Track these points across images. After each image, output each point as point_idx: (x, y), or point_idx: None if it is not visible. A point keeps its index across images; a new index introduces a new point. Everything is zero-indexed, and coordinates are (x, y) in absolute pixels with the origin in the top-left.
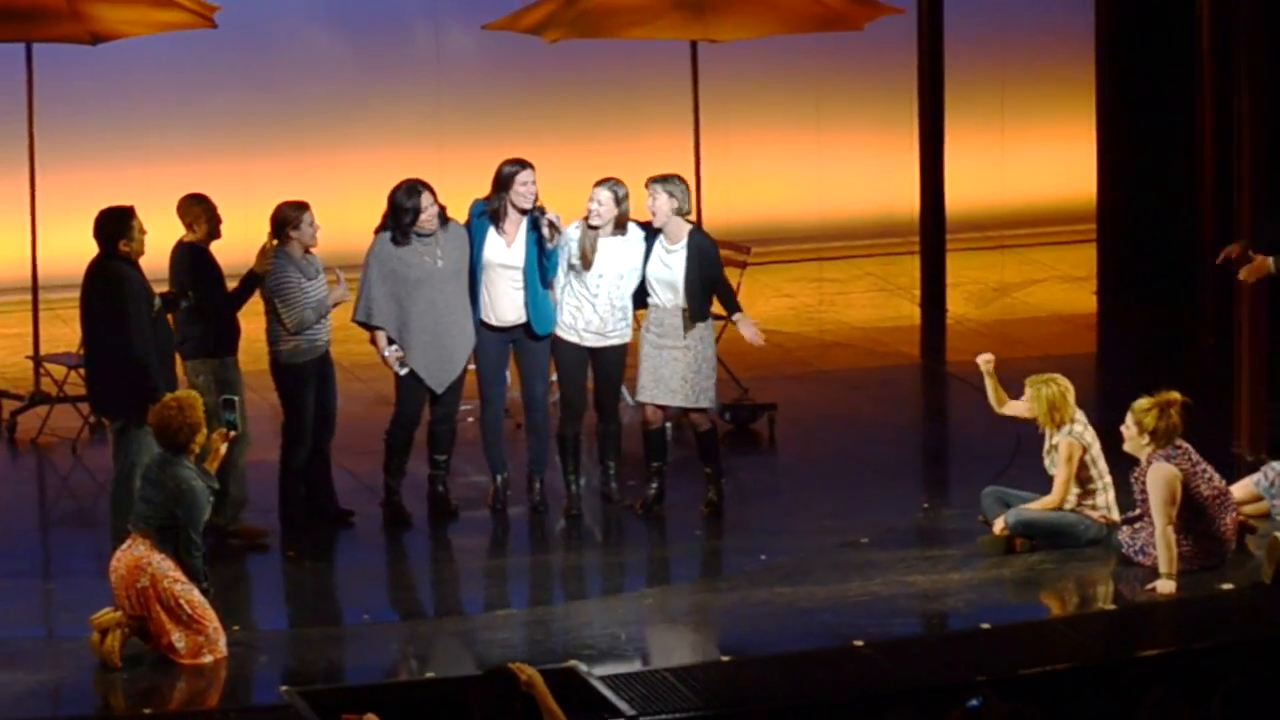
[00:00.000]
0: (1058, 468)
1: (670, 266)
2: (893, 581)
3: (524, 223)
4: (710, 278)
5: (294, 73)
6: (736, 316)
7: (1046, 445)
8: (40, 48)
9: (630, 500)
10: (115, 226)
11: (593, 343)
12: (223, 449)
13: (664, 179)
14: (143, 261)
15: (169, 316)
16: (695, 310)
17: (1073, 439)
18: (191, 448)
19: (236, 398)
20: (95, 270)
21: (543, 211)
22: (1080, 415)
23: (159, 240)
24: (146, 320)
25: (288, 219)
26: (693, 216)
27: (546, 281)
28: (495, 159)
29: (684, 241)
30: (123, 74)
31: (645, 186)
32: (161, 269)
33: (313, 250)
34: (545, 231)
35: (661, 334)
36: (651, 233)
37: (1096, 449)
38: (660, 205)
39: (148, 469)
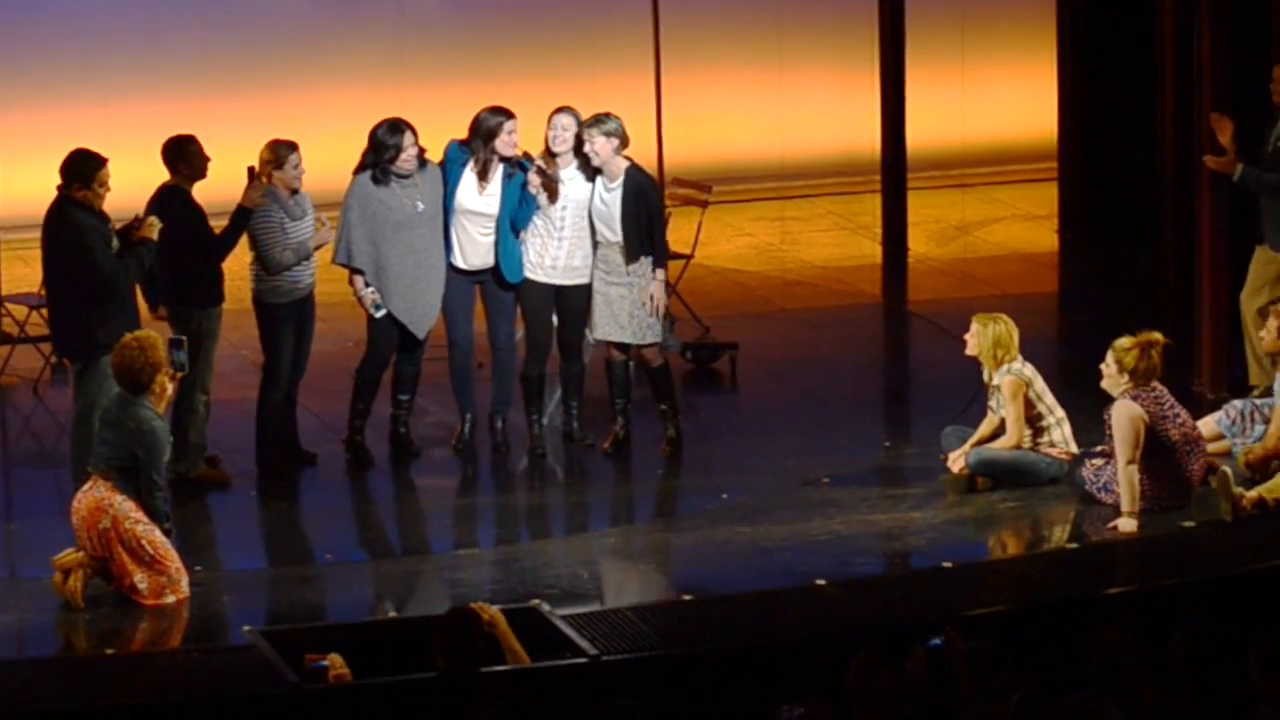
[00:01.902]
0: (1005, 406)
1: (608, 204)
2: (854, 520)
3: (500, 170)
4: (647, 215)
5: (255, 9)
6: (659, 274)
7: (989, 386)
8: None
9: (594, 439)
10: (78, 170)
11: (561, 280)
12: (170, 389)
13: (596, 120)
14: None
15: (136, 259)
16: (633, 247)
17: (1013, 375)
18: (152, 388)
19: (185, 338)
20: (52, 213)
21: (532, 160)
22: (1020, 357)
23: (123, 178)
24: (106, 261)
25: (276, 156)
26: (653, 155)
27: (518, 229)
28: (456, 98)
29: (620, 179)
30: (83, 13)
31: (580, 132)
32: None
33: (302, 190)
34: (535, 179)
35: (608, 270)
36: (591, 171)
37: (1040, 384)
38: (599, 147)
39: (106, 410)
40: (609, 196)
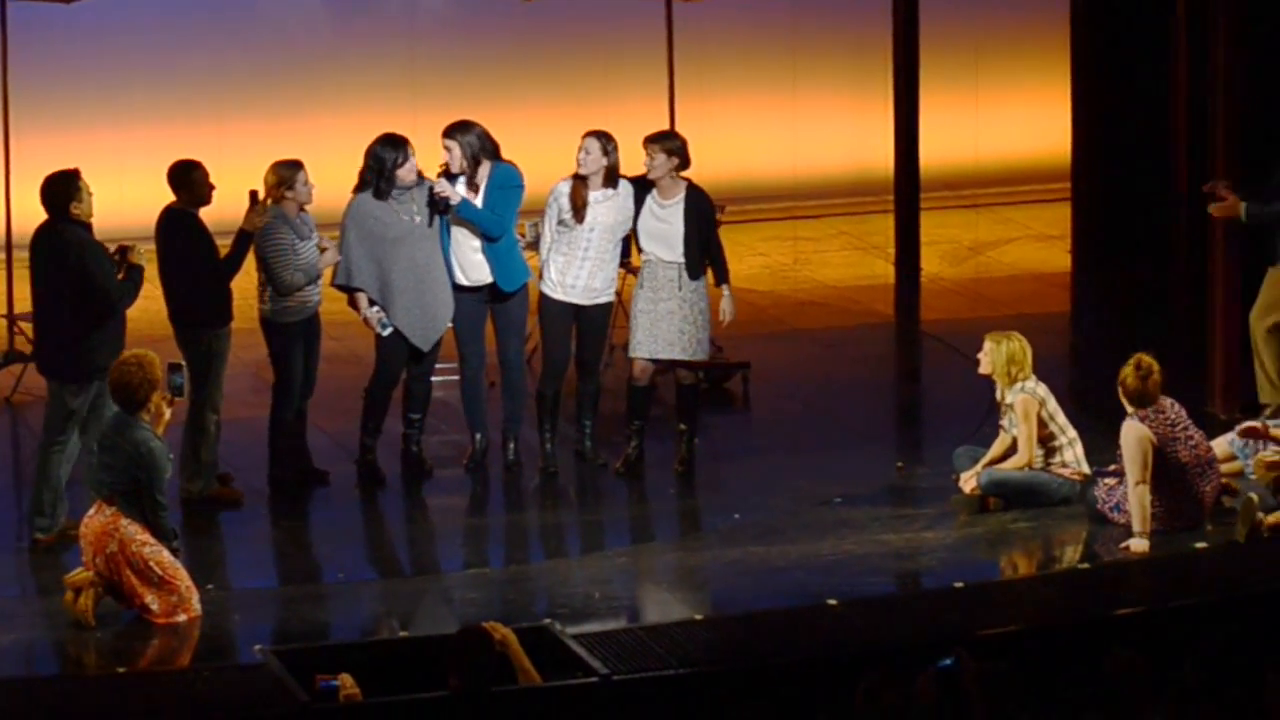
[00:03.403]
0: (1018, 426)
1: (666, 222)
2: (866, 540)
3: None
4: (706, 235)
5: (269, 33)
6: (724, 289)
7: (1001, 405)
8: (15, 6)
9: (607, 459)
10: (63, 189)
11: (582, 300)
12: (167, 413)
13: (660, 137)
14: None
15: (133, 281)
16: (692, 266)
17: (1027, 395)
18: (149, 406)
19: (184, 363)
20: (48, 236)
21: (427, 183)
22: (1033, 376)
23: (136, 200)
24: (113, 283)
25: (283, 178)
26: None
27: (491, 237)
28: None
29: (680, 197)
30: (98, 35)
31: (643, 146)
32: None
33: (307, 209)
34: (438, 199)
35: (655, 289)
36: (640, 187)
37: (1053, 404)
38: (659, 163)
39: (104, 436)
40: (666, 214)
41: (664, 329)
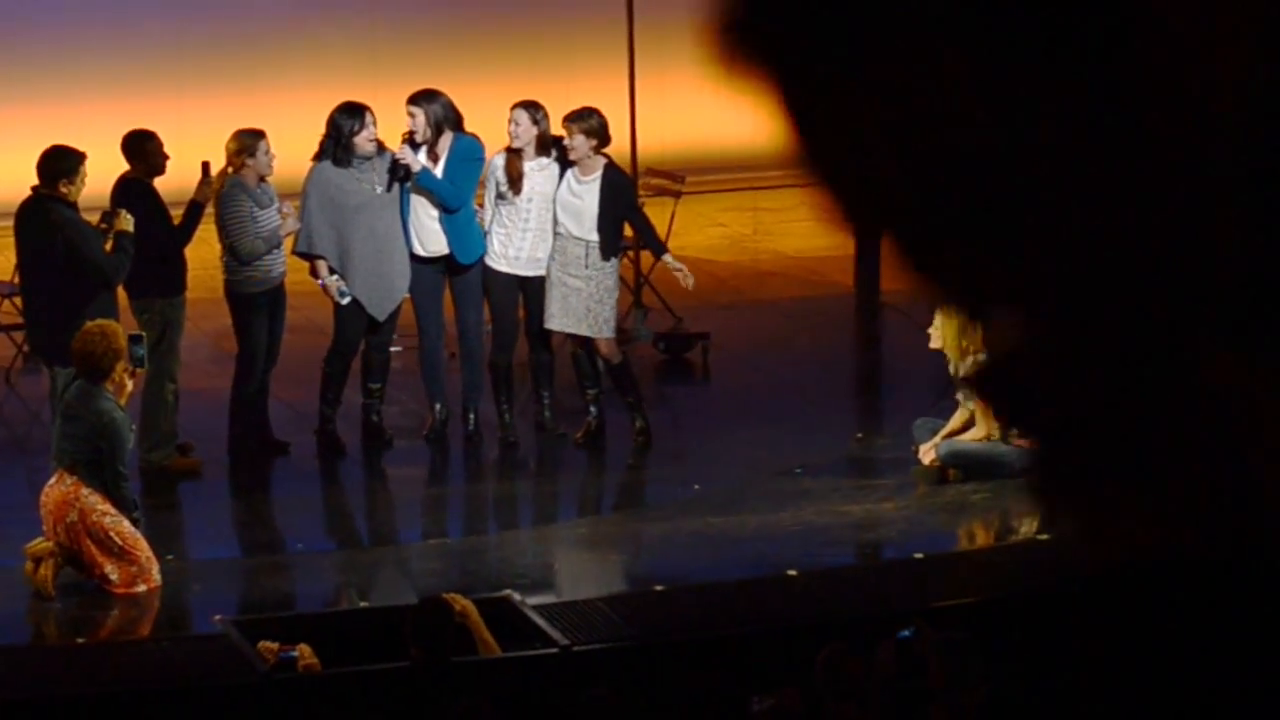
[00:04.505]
0: (974, 398)
1: (581, 197)
2: (826, 511)
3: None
4: (621, 213)
5: (227, 5)
6: (665, 258)
7: (956, 377)
8: None
9: (566, 430)
10: (63, 166)
11: (526, 270)
12: (129, 384)
13: (577, 116)
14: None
15: (124, 251)
16: (605, 244)
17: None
18: (112, 376)
19: (144, 334)
20: (33, 212)
21: (389, 153)
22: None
23: (94, 173)
24: (104, 258)
25: (244, 145)
26: (626, 145)
27: (449, 209)
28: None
29: (597, 174)
30: (53, 7)
31: (562, 125)
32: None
33: (268, 179)
34: (398, 166)
35: (564, 264)
36: (564, 162)
37: None
38: (578, 144)
39: (67, 405)
40: (581, 190)
41: (572, 305)
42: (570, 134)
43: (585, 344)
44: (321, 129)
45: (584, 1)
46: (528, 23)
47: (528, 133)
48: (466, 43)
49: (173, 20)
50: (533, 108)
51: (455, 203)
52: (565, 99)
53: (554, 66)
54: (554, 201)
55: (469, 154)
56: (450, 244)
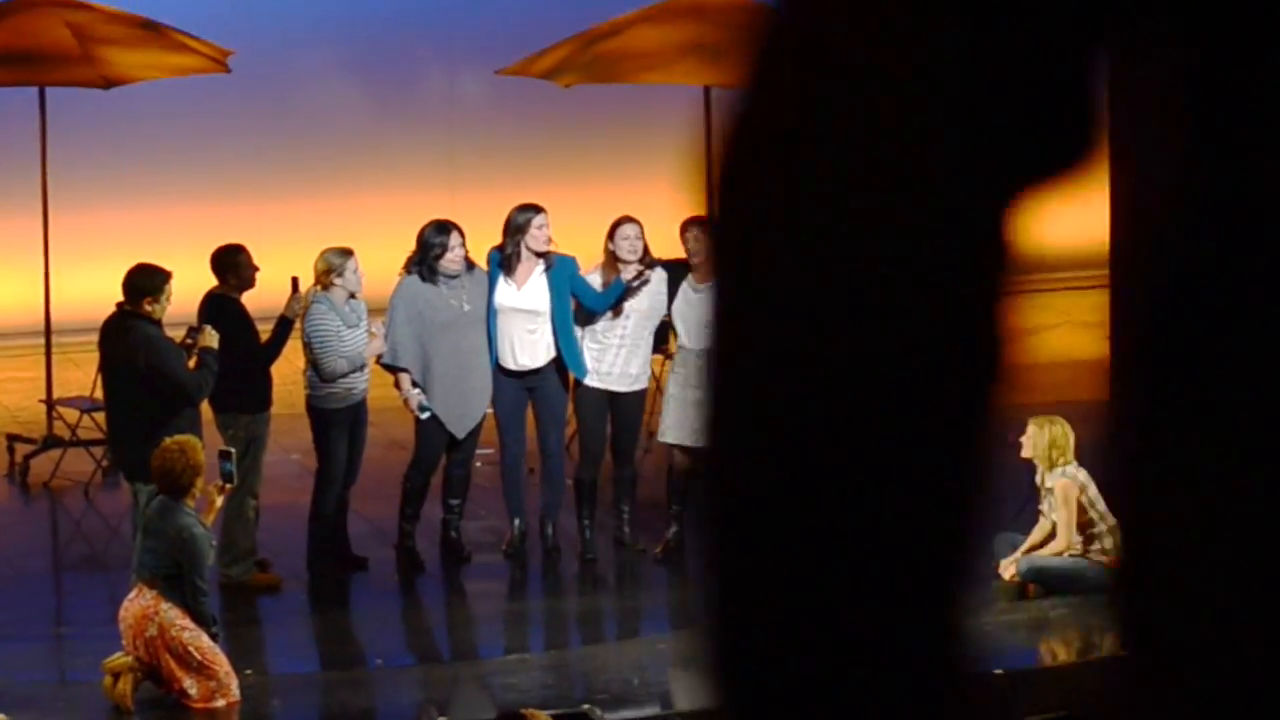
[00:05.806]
0: (1058, 510)
1: (698, 307)
2: None
3: (538, 267)
4: None
5: (308, 117)
6: None
7: (1041, 489)
8: (53, 91)
9: (646, 545)
10: (148, 283)
11: (617, 387)
12: (219, 501)
13: (701, 220)
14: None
15: (208, 369)
16: None
17: (1068, 479)
18: (193, 491)
19: (233, 449)
20: (117, 329)
21: (652, 264)
22: (1074, 461)
23: (175, 283)
24: (188, 375)
25: (332, 265)
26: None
27: (594, 313)
28: (509, 204)
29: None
30: (135, 118)
31: (680, 229)
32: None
33: (357, 297)
34: (636, 278)
35: (686, 377)
36: (674, 271)
37: (1093, 490)
38: (701, 246)
39: (148, 519)
40: (699, 298)
41: (693, 417)
42: (693, 239)
43: (693, 456)
44: (401, 239)
45: (662, 119)
46: (606, 139)
47: (641, 247)
48: (545, 157)
49: (255, 132)
50: (638, 223)
51: (599, 306)
52: (645, 214)
53: (633, 182)
54: (662, 315)
55: (573, 269)
56: (568, 361)
